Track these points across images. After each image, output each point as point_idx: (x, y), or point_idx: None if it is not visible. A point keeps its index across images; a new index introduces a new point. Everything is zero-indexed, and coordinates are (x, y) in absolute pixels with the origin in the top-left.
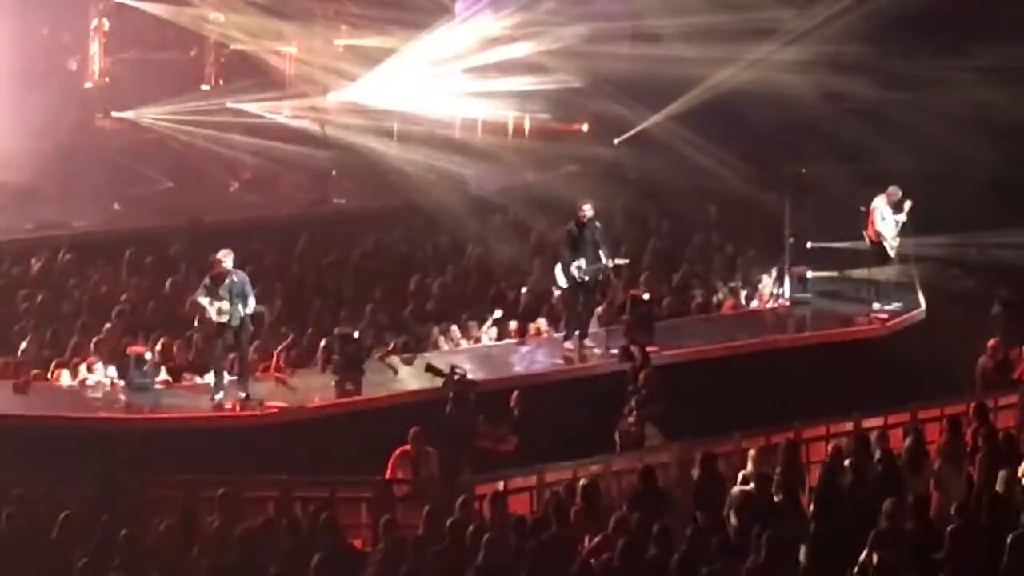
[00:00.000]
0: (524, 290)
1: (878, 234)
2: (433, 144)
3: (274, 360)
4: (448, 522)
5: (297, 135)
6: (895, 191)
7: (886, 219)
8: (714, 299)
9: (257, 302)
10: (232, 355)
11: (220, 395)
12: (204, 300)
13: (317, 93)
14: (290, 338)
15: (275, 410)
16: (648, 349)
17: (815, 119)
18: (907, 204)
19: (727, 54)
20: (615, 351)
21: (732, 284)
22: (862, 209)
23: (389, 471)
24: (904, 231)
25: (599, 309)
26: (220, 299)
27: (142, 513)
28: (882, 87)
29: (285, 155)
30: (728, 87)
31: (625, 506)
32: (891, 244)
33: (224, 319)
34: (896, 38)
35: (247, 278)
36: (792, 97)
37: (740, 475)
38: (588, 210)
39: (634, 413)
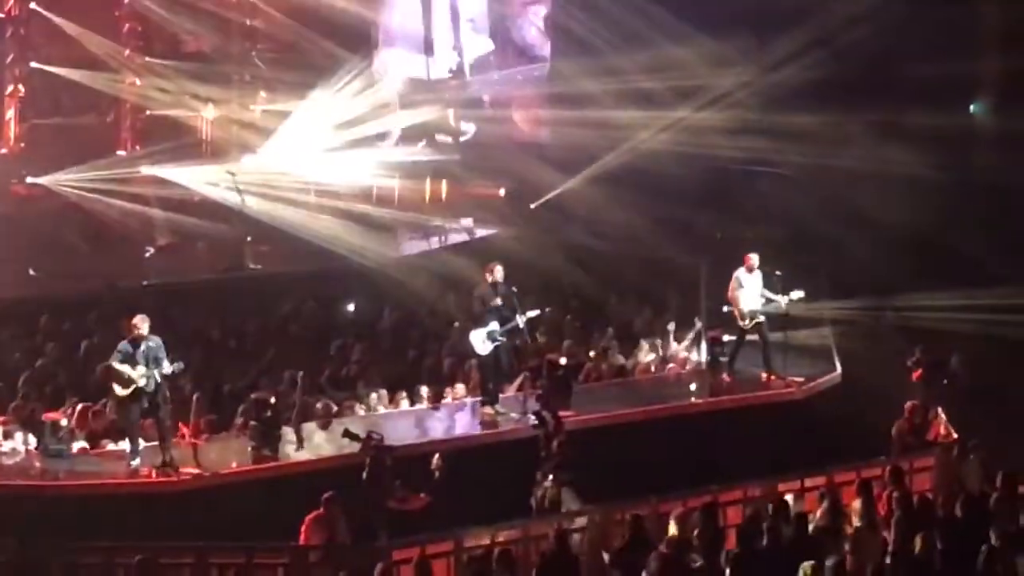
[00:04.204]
0: (443, 356)
1: (733, 301)
2: (350, 208)
3: (191, 426)
4: None
5: (213, 202)
6: (752, 259)
7: (743, 287)
8: (631, 363)
9: (172, 360)
10: (149, 421)
11: (136, 461)
12: (121, 367)
13: (234, 158)
14: (197, 401)
15: (192, 476)
16: (564, 414)
17: (731, 183)
18: (795, 294)
19: (644, 118)
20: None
21: (648, 348)
22: (778, 273)
23: (303, 536)
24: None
25: (519, 376)
26: (136, 364)
27: None
28: (795, 151)
29: (201, 221)
30: (643, 151)
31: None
32: (742, 314)
33: (142, 383)
34: (802, 101)
35: (161, 343)
36: (707, 161)
37: (665, 540)
38: (498, 272)
39: (549, 479)
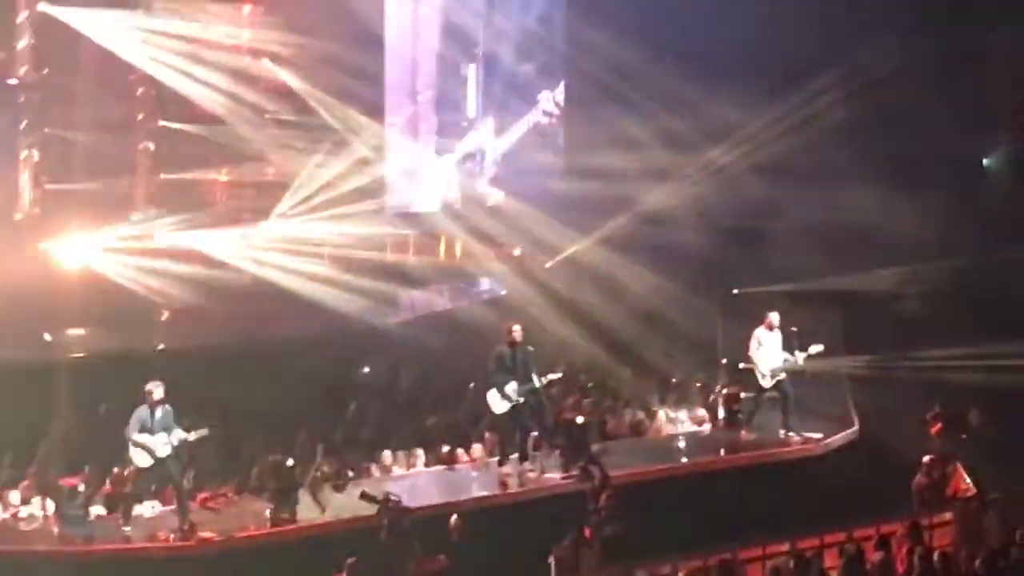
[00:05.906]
0: (460, 416)
1: (753, 360)
2: (364, 268)
3: (208, 490)
4: None
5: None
6: (772, 318)
7: (763, 346)
8: (648, 420)
9: (194, 428)
10: (167, 486)
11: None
12: (140, 437)
13: (249, 222)
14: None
15: (210, 540)
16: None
17: (747, 239)
18: (813, 348)
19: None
20: (553, 475)
21: (666, 405)
22: (793, 330)
23: None
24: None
25: (533, 433)
26: (153, 431)
27: None
28: (817, 206)
29: (215, 284)
30: (659, 208)
31: None
32: (762, 372)
33: (162, 453)
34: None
35: (171, 409)
36: (722, 218)
37: None
38: (517, 332)
39: (585, 534)
